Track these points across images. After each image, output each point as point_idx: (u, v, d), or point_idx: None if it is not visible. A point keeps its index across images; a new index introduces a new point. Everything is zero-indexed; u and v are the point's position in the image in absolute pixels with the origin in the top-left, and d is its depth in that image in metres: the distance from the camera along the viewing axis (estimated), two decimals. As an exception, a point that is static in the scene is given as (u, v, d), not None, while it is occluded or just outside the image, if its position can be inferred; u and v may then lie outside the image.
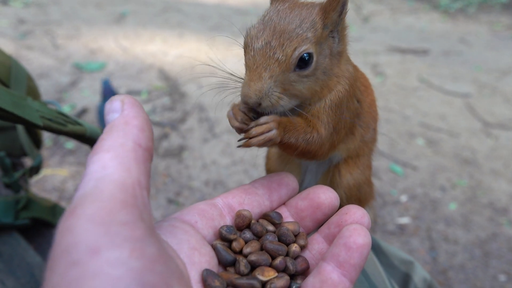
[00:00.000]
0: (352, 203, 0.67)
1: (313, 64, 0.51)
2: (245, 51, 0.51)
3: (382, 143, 2.77)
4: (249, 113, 0.51)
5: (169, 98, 3.08)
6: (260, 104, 0.49)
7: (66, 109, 2.82)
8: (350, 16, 5.21)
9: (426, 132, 2.95)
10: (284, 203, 0.54)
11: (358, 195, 0.67)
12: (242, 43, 0.52)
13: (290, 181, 0.55)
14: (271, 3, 0.55)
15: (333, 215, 0.50)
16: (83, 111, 2.81)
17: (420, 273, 0.80)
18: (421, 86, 3.63)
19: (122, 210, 0.32)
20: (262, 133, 0.49)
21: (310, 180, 0.70)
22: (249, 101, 0.49)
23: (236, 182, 2.37)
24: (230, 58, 3.79)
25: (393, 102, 3.33)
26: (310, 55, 0.50)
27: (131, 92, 3.10)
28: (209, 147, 2.62)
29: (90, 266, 0.29)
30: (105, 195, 0.32)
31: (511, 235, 2.17)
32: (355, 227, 0.45)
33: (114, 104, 0.40)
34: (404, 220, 2.21)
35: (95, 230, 0.30)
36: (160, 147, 2.58)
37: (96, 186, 0.33)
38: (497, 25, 5.37)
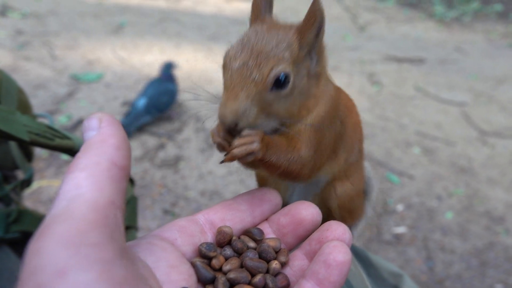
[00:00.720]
0: (344, 214, 0.67)
1: (290, 84, 0.51)
2: (223, 71, 0.52)
3: (378, 152, 2.77)
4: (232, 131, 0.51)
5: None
6: (237, 124, 0.49)
7: (62, 120, 2.82)
8: (347, 25, 5.26)
9: (422, 140, 2.96)
10: (266, 219, 0.54)
11: (350, 207, 0.67)
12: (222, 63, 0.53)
13: (273, 196, 0.55)
14: (250, 24, 0.56)
15: (315, 231, 0.50)
16: (80, 122, 2.81)
17: (409, 286, 0.79)
18: (417, 95, 3.64)
19: (93, 230, 0.32)
20: (244, 144, 0.48)
21: (299, 194, 0.70)
22: (226, 121, 0.49)
23: (232, 192, 2.37)
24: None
25: (389, 111, 3.34)
26: (286, 75, 0.50)
27: (128, 102, 3.11)
28: (206, 157, 2.62)
29: None
30: (76, 215, 0.32)
31: (508, 244, 2.16)
32: (335, 244, 0.45)
33: (92, 122, 0.41)
34: (401, 229, 2.21)
35: (63, 252, 0.30)
36: (156, 157, 2.58)
37: (67, 206, 0.33)
38: (493, 34, 5.41)
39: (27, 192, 2.22)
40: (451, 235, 2.20)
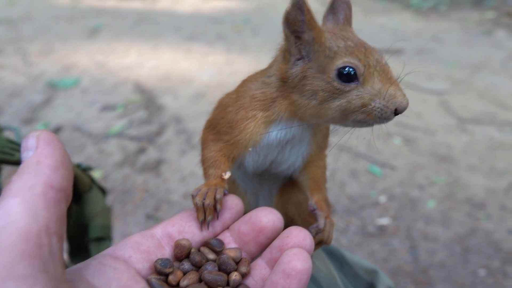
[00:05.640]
0: (307, 219, 0.66)
1: None
2: (366, 69, 0.53)
3: (359, 145, 2.78)
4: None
5: (145, 111, 3.05)
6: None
7: (40, 128, 2.76)
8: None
9: (402, 131, 2.98)
10: (228, 228, 0.53)
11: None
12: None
13: (234, 204, 0.53)
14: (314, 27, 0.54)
15: (276, 238, 0.49)
16: (58, 129, 2.76)
17: (384, 282, 0.79)
18: (397, 86, 3.66)
19: (22, 262, 0.30)
20: (331, 231, 0.56)
21: (265, 198, 0.69)
22: (406, 109, 0.52)
23: (215, 193, 2.35)
24: (206, 66, 3.78)
25: (369, 103, 3.36)
26: None
27: (106, 107, 3.06)
28: (187, 159, 2.59)
29: None
30: (4, 246, 0.30)
31: (489, 229, 2.19)
32: (295, 251, 0.44)
33: (29, 142, 0.39)
34: (384, 221, 2.22)
35: None
36: (137, 162, 2.55)
37: None
38: (468, 22, 5.49)
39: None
40: (433, 223, 2.22)
